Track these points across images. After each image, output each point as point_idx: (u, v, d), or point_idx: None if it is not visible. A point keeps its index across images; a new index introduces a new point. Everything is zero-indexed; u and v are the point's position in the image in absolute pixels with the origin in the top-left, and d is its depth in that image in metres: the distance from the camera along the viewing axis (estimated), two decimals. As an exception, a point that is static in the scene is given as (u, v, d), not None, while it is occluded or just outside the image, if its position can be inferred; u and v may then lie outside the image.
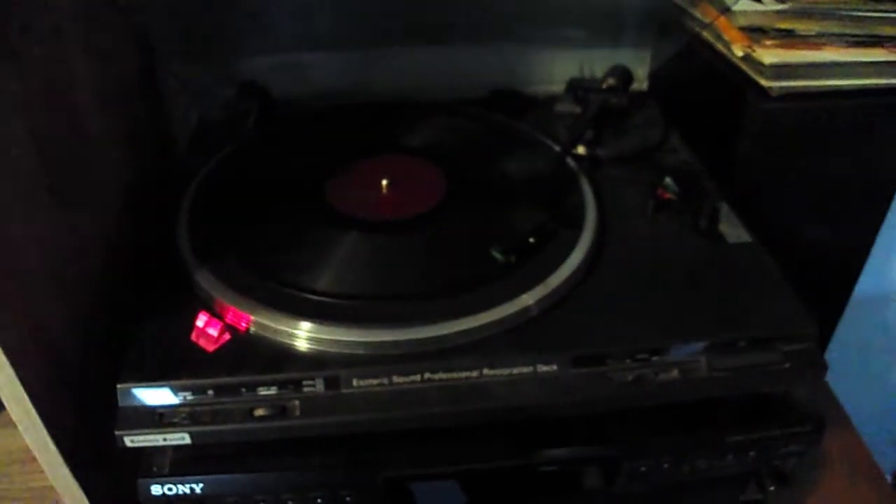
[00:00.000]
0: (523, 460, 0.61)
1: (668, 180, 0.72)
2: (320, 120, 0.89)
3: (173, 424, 0.55)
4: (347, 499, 0.59)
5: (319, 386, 0.56)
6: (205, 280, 0.62)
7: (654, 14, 0.87)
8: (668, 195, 0.72)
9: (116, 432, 0.55)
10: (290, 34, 0.87)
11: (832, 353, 0.99)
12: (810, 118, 0.77)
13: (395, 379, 0.56)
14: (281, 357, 0.57)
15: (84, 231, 0.64)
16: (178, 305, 0.61)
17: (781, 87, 0.74)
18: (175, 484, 0.58)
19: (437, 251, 0.67)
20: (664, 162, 0.80)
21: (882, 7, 0.75)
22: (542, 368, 0.58)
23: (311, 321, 0.58)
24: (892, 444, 1.43)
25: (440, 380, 0.57)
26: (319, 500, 0.59)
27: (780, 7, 0.74)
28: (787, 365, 0.60)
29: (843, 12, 0.75)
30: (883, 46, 0.76)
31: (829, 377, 0.99)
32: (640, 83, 0.93)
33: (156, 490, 0.58)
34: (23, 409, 0.52)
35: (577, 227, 0.68)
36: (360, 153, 0.79)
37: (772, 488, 0.68)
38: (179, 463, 0.59)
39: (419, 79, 0.90)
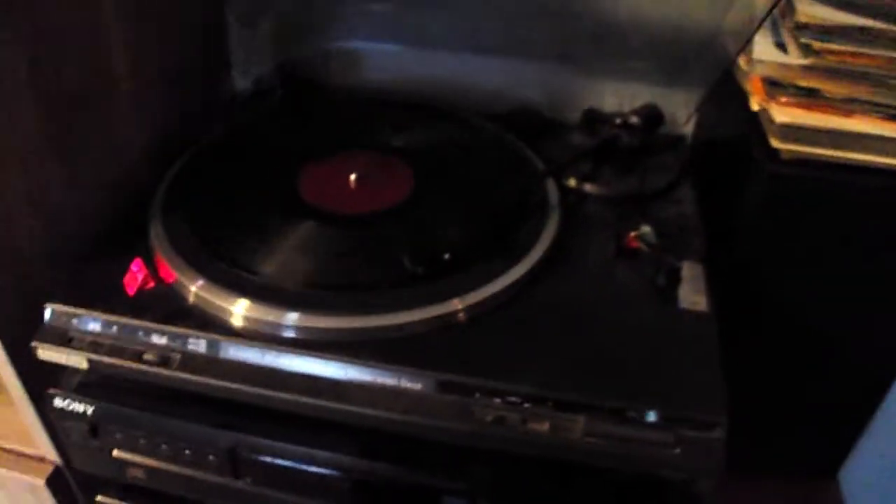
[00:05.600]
0: (377, 469, 0.61)
1: (644, 229, 0.67)
2: (331, 109, 0.91)
3: (77, 348, 0.62)
4: (210, 457, 0.63)
5: (201, 346, 0.60)
6: (156, 232, 0.68)
7: (712, 58, 0.79)
8: (637, 244, 0.67)
9: (31, 343, 0.62)
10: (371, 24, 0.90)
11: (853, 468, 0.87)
12: (824, 190, 0.67)
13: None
14: (184, 313, 0.61)
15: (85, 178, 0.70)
16: (130, 248, 0.67)
17: (792, 151, 0.65)
18: (73, 401, 0.64)
19: (373, 247, 0.68)
20: (662, 211, 0.73)
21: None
22: (406, 384, 0.57)
23: (221, 288, 0.62)
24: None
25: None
26: (188, 451, 0.63)
27: (804, 62, 0.64)
28: (677, 451, 0.54)
29: (880, 76, 0.64)
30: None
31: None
32: (679, 126, 0.85)
33: (58, 402, 0.65)
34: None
35: (524, 250, 0.66)
36: (346, 145, 0.80)
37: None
38: (83, 385, 0.65)
39: (462, 87, 0.90)
